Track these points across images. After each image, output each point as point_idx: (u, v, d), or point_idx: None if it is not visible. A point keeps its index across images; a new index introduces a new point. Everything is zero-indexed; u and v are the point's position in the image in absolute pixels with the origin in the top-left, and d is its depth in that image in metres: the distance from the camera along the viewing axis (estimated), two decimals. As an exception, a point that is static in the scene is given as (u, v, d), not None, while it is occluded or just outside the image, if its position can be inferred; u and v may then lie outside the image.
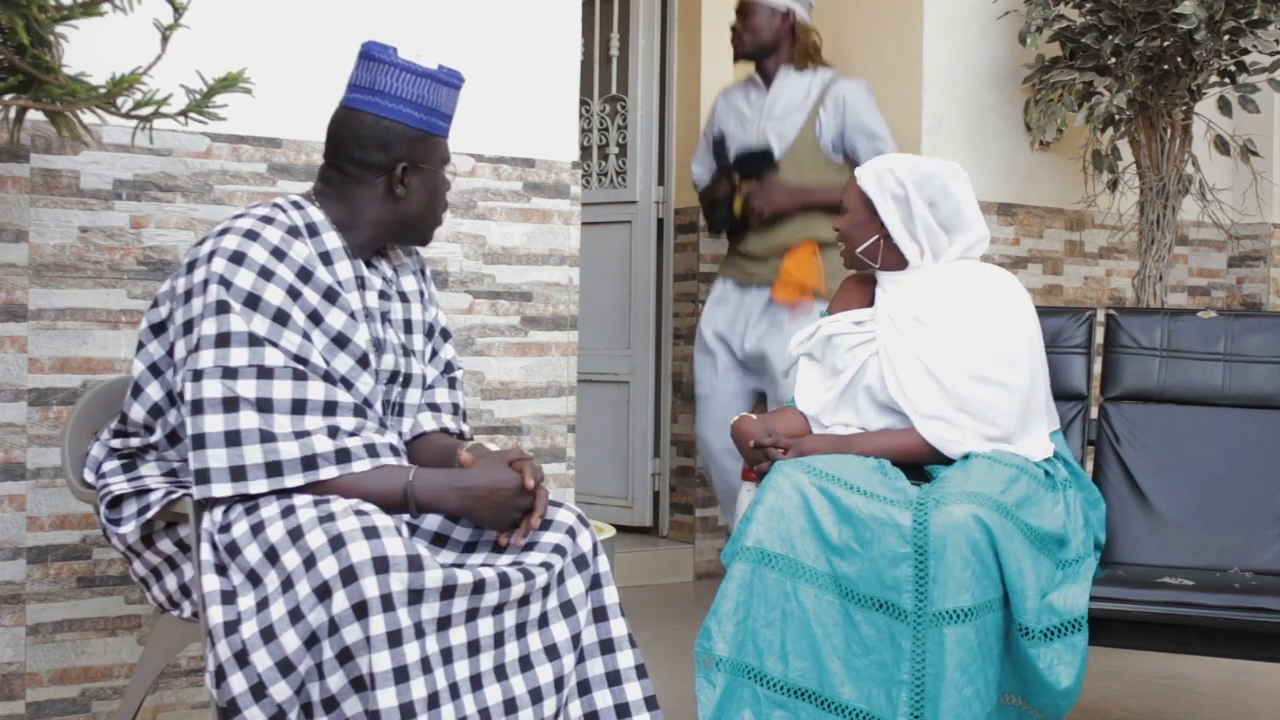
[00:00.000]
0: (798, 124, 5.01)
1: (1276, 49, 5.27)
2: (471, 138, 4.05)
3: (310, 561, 2.45)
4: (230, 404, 2.55)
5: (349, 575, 2.41)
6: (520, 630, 2.64)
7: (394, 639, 2.40)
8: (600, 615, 2.77)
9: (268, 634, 2.46)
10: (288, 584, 2.47)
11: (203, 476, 2.55)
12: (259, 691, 2.45)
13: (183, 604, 2.77)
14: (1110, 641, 3.23)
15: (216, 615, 2.50)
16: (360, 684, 2.41)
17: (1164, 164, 5.43)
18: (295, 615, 2.45)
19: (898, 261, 3.47)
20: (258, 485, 2.55)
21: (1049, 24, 5.31)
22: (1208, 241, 6.53)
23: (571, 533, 2.75)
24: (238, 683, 2.46)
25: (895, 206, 3.45)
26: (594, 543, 2.78)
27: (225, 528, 2.56)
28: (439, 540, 2.77)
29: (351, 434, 2.64)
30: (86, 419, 3.01)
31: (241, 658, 2.46)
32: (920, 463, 3.33)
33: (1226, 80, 5.39)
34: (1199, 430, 3.76)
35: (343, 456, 2.60)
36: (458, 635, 2.53)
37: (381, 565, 2.42)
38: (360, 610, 2.40)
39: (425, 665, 2.44)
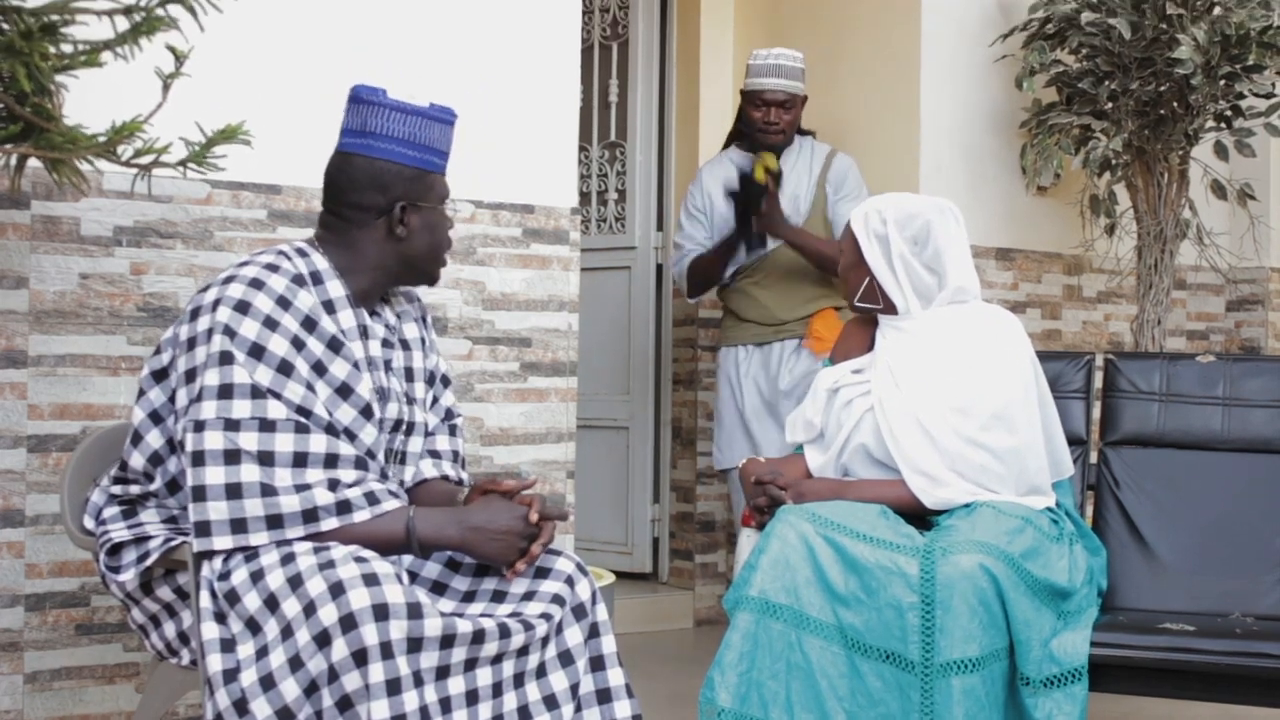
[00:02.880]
0: (808, 203, 4.97)
1: (1272, 94, 5.29)
2: (471, 184, 4.06)
3: (310, 609, 2.44)
4: (232, 456, 2.54)
5: (349, 623, 2.41)
6: (519, 680, 2.63)
7: (393, 687, 2.39)
8: (598, 665, 2.76)
9: (267, 682, 2.45)
10: (287, 631, 2.46)
11: (203, 529, 2.55)
12: None
13: (181, 652, 2.76)
14: (1111, 687, 3.21)
15: (216, 663, 2.49)
16: None
17: (1161, 208, 5.44)
18: (295, 663, 2.44)
19: (893, 305, 3.45)
20: (258, 538, 2.54)
21: (1045, 69, 5.33)
22: (1206, 285, 6.54)
23: (570, 581, 2.75)
24: None
25: (878, 246, 3.42)
26: (593, 591, 2.78)
27: (225, 575, 2.55)
28: (438, 589, 2.77)
29: (352, 485, 2.64)
30: (85, 466, 3.01)
31: (241, 706, 2.45)
32: (918, 513, 3.32)
33: (1222, 125, 5.41)
34: (1199, 474, 3.76)
35: (343, 508, 2.60)
36: (456, 685, 2.52)
37: (381, 613, 2.41)
38: (360, 658, 2.39)
39: (424, 714, 2.43)
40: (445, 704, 2.49)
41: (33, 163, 3.04)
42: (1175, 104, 5.27)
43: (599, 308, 6.19)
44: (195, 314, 2.67)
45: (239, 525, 2.54)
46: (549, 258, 4.23)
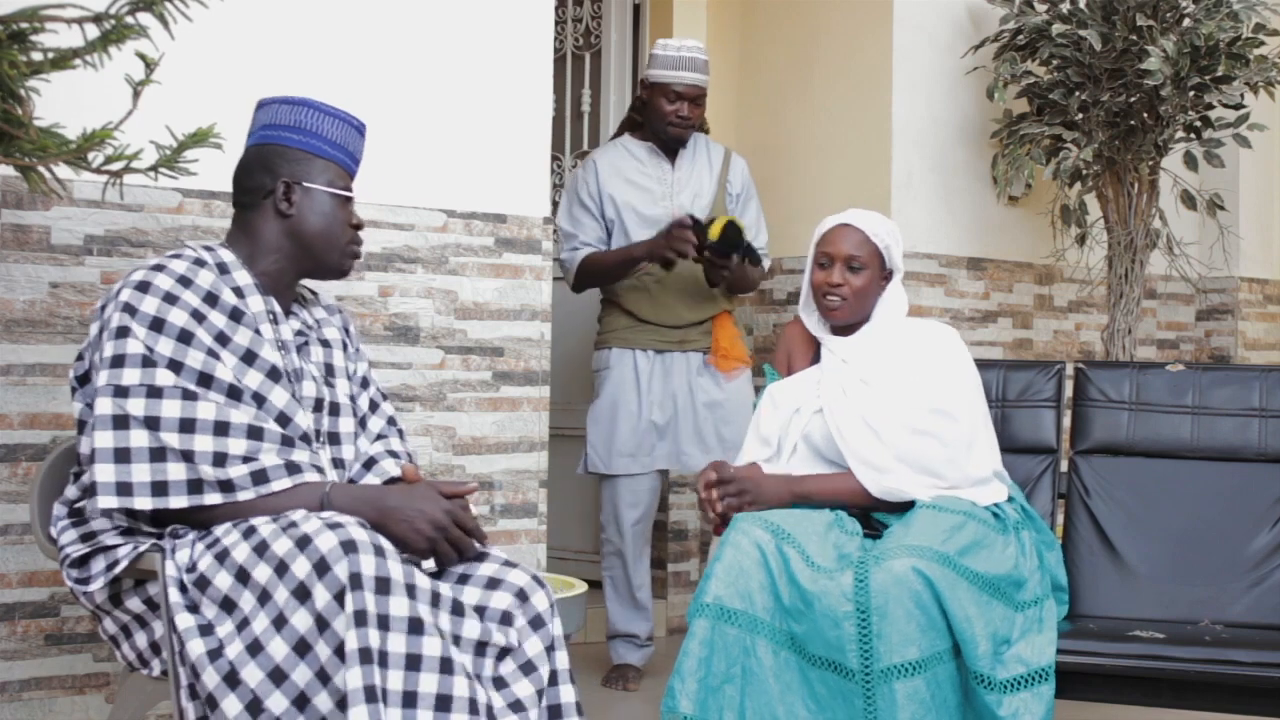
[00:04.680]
0: (708, 200, 4.93)
1: (1241, 105, 5.33)
2: (443, 193, 4.06)
3: (281, 568, 2.47)
4: (120, 421, 2.61)
5: (322, 567, 2.43)
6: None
7: (366, 618, 2.40)
8: (550, 679, 2.72)
9: (254, 648, 2.46)
10: (264, 596, 2.48)
11: (91, 489, 2.62)
12: (255, 708, 2.42)
13: (152, 662, 2.75)
14: (1081, 695, 3.23)
15: (198, 647, 2.48)
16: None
17: (1131, 218, 5.47)
18: (279, 622, 2.46)
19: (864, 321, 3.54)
20: (143, 501, 2.60)
21: (1016, 80, 5.36)
22: (1175, 295, 6.57)
23: (523, 595, 2.72)
24: (231, 705, 2.43)
25: (902, 263, 3.59)
26: (550, 604, 2.75)
27: (191, 567, 2.58)
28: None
29: (245, 458, 2.66)
30: (55, 475, 2.99)
31: (231, 679, 2.44)
32: (870, 508, 3.35)
33: (1192, 136, 5.45)
34: (1168, 483, 3.77)
35: (226, 487, 2.64)
36: (431, 646, 2.50)
37: (350, 548, 2.44)
38: (341, 599, 2.40)
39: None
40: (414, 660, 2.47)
41: (2, 171, 3.03)
42: (1145, 115, 5.30)
43: (571, 317, 6.18)
44: (103, 309, 2.75)
45: (124, 488, 2.60)
46: (521, 267, 4.23)
